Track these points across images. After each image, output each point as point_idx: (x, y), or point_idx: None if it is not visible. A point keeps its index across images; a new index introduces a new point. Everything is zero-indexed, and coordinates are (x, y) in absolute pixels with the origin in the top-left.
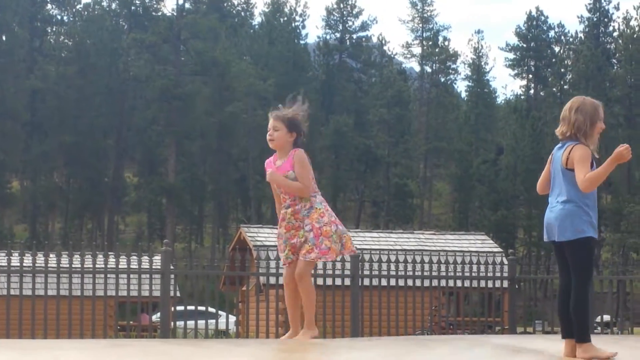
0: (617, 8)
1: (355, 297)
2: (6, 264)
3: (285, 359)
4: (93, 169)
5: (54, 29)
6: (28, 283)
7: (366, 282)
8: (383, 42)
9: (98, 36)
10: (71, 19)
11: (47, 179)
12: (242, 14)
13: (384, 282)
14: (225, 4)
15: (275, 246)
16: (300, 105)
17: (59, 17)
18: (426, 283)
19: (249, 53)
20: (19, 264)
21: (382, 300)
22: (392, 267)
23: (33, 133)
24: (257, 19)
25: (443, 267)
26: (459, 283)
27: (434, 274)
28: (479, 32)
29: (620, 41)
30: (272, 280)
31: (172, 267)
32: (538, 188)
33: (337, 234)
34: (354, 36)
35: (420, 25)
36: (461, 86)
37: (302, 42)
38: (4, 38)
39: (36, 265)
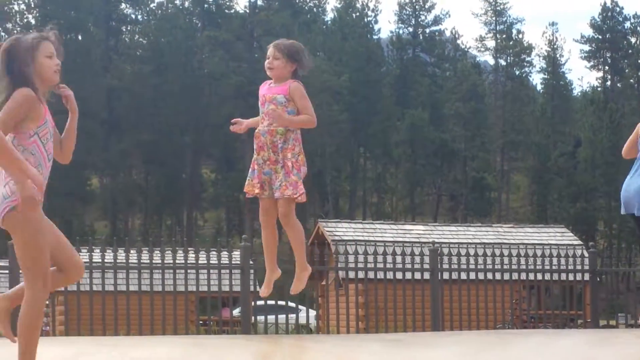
0: None
1: (435, 291)
2: (88, 260)
3: (365, 353)
4: (171, 165)
5: (129, 28)
6: (110, 279)
7: (445, 275)
8: (456, 35)
9: (172, 34)
10: (145, 17)
11: (126, 176)
12: (315, 10)
13: (463, 276)
14: (297, 1)
15: (353, 240)
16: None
17: (133, 17)
18: (506, 276)
19: (322, 49)
20: (100, 260)
21: (462, 294)
22: (472, 260)
23: (111, 131)
24: (330, 15)
25: (523, 260)
26: (539, 276)
27: (513, 267)
28: (553, 24)
29: None
30: (352, 274)
31: (251, 262)
32: (623, 152)
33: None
34: (427, 30)
35: (494, 18)
36: (536, 79)
37: (375, 37)
38: (80, 37)
39: (117, 261)
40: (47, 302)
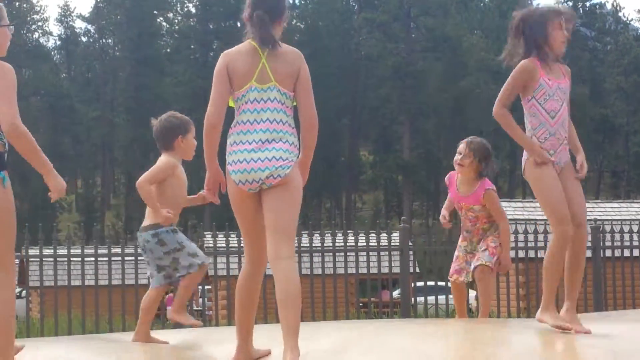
0: None
1: (597, 269)
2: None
3: (527, 335)
4: (329, 148)
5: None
6: None
7: (608, 253)
8: (617, 8)
9: (329, 18)
10: (303, 2)
11: None
12: None
13: (626, 253)
14: None
15: (513, 219)
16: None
17: (290, 1)
18: None
19: (480, 27)
20: None
21: (625, 271)
22: (635, 237)
23: None
24: None
25: None
26: None
27: None
28: None
29: None
30: (511, 253)
31: (410, 244)
32: None
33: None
34: (587, 4)
35: None
36: None
37: None
38: (238, 24)
39: None
40: (210, 287)
